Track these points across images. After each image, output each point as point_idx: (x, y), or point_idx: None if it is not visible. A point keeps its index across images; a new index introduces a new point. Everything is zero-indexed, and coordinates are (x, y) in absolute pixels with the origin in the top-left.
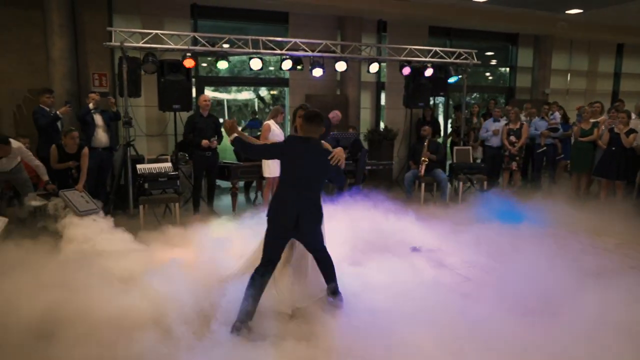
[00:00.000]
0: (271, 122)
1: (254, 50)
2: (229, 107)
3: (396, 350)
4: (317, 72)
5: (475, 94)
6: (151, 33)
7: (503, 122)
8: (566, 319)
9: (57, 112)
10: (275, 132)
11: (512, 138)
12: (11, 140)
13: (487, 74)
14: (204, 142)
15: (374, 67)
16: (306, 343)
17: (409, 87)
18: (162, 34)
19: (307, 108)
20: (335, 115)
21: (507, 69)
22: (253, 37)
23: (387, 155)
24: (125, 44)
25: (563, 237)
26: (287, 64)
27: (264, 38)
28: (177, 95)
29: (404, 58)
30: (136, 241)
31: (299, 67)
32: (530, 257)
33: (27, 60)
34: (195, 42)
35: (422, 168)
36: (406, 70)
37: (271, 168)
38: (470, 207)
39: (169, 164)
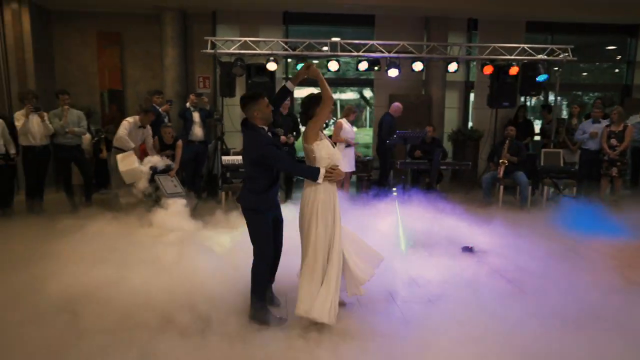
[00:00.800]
0: (343, 120)
1: (331, 53)
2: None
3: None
4: (393, 72)
5: (591, 93)
6: (241, 40)
7: (604, 123)
8: (608, 333)
9: (160, 110)
10: (347, 129)
11: (613, 141)
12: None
13: (595, 70)
14: (282, 138)
15: (452, 67)
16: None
17: (493, 87)
18: (250, 40)
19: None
20: (395, 107)
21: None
22: (332, 40)
23: (471, 156)
24: (218, 51)
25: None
26: (363, 65)
27: (342, 41)
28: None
29: (486, 57)
30: (207, 222)
31: (376, 67)
32: (589, 270)
33: (148, 67)
34: (281, 46)
35: (501, 170)
36: (488, 69)
37: (341, 164)
38: (552, 213)
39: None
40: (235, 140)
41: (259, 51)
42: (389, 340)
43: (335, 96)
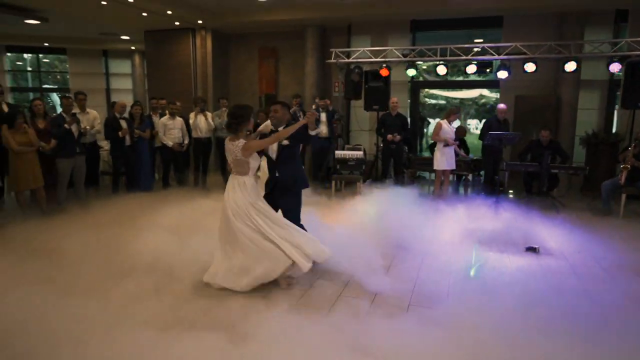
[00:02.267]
0: (444, 121)
1: (440, 58)
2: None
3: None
4: (502, 74)
5: None
6: (359, 50)
7: None
8: None
9: (291, 110)
10: (446, 129)
11: None
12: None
13: None
14: (389, 136)
15: (569, 66)
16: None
17: (626, 85)
18: (368, 50)
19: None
20: (499, 108)
21: None
22: (441, 46)
23: (607, 162)
24: (340, 60)
25: None
26: (471, 68)
27: (452, 46)
28: (377, 98)
29: (612, 53)
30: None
31: (487, 70)
32: None
33: (294, 75)
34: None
35: (623, 175)
36: (614, 67)
37: (439, 161)
38: None
39: (360, 152)
40: (360, 137)
41: (373, 59)
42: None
43: (461, 94)
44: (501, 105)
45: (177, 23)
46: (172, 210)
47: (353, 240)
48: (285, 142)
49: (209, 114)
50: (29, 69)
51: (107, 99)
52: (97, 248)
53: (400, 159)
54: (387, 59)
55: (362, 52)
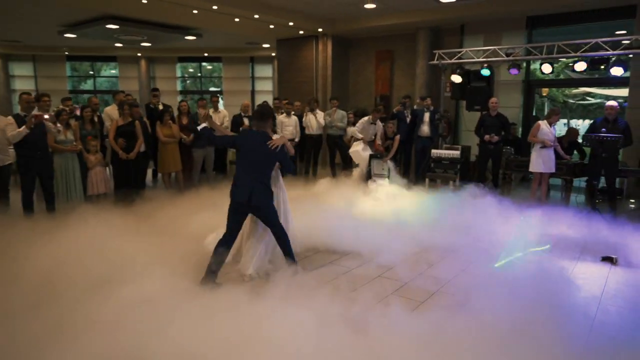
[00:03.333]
0: (543, 122)
1: (546, 56)
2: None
3: None
4: (617, 71)
5: None
6: (462, 50)
7: None
8: None
9: (395, 110)
10: (544, 130)
11: None
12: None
13: None
14: (486, 137)
15: None
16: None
17: None
18: (470, 50)
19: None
20: (609, 106)
21: None
22: (548, 44)
23: None
24: (443, 62)
25: None
26: (580, 66)
27: (559, 43)
28: (478, 98)
29: None
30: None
31: (601, 66)
32: None
33: (408, 76)
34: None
35: None
36: None
37: (534, 163)
38: None
39: (456, 152)
40: (469, 138)
41: (475, 59)
42: None
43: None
44: (610, 103)
45: (301, 32)
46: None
47: (398, 236)
48: None
49: (320, 113)
50: (182, 75)
51: (252, 100)
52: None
53: (498, 161)
54: (489, 59)
55: (471, 52)
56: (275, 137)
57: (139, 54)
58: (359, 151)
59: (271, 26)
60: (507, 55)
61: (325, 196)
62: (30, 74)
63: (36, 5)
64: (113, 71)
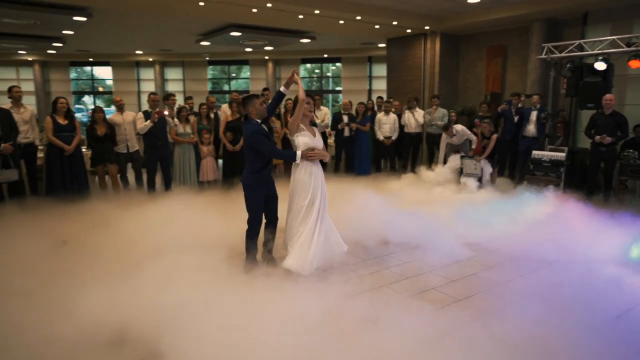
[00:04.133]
0: None
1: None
2: None
3: None
4: None
5: None
6: (574, 43)
7: None
8: None
9: (499, 109)
10: None
11: None
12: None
13: None
14: (597, 137)
15: None
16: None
17: None
18: (584, 42)
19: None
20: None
21: None
22: None
23: None
24: (552, 56)
25: None
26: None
27: None
28: (592, 95)
29: None
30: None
31: None
32: None
33: (521, 72)
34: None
35: None
36: None
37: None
38: None
39: (561, 154)
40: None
41: (589, 52)
42: None
43: None
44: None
45: (408, 30)
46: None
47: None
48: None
49: (419, 112)
50: (305, 76)
51: (368, 98)
52: None
53: (612, 165)
54: (606, 51)
55: (585, 45)
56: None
57: (266, 57)
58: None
59: (376, 26)
60: (628, 45)
61: (403, 192)
62: (180, 77)
63: (175, 19)
64: (248, 73)
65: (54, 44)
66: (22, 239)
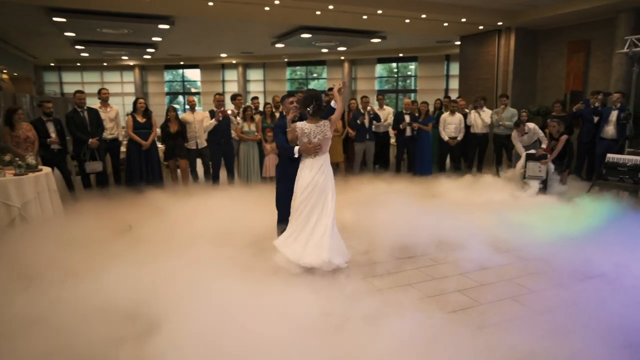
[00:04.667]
0: None
1: None
2: None
3: None
4: None
5: None
6: None
7: None
8: None
9: (574, 108)
10: None
11: None
12: None
13: None
14: None
15: None
16: None
17: None
18: None
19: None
20: None
21: None
22: None
23: None
24: (634, 49)
25: None
26: None
27: None
28: None
29: None
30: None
31: None
32: None
33: (606, 69)
34: None
35: None
36: None
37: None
38: None
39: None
40: None
41: None
42: None
43: None
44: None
45: (481, 27)
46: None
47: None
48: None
49: (486, 112)
50: (381, 75)
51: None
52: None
53: None
54: None
55: None
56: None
57: (342, 58)
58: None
59: (445, 24)
60: None
61: (456, 193)
62: (260, 78)
63: (247, 23)
64: (325, 74)
65: (147, 50)
66: (97, 222)
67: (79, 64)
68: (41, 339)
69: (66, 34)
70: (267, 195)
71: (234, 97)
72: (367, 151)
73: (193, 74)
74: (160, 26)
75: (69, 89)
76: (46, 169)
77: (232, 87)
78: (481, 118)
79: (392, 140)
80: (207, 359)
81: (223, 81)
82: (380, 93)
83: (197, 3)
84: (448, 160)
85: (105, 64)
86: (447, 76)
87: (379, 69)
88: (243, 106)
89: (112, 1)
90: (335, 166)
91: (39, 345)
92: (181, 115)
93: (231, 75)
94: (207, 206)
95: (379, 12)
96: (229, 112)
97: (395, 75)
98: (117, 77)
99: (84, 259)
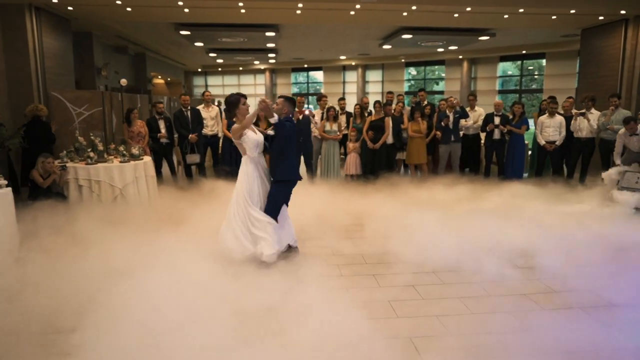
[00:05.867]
0: None
1: None
2: None
3: None
4: None
5: None
6: None
7: None
8: None
9: None
10: None
11: None
12: None
13: None
14: None
15: None
16: None
17: None
18: None
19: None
20: None
21: None
22: None
23: None
24: None
25: None
26: None
27: None
28: None
29: None
30: None
31: None
32: None
33: None
34: None
35: None
36: None
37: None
38: None
39: None
40: None
41: None
42: None
43: None
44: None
45: (600, 18)
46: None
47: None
48: (271, 132)
49: (595, 113)
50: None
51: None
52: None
53: None
54: None
55: None
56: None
57: (460, 57)
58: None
59: (553, 17)
60: None
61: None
62: (379, 79)
63: (355, 27)
64: (444, 74)
65: (269, 55)
66: (176, 204)
67: (220, 69)
68: None
69: (196, 43)
70: (335, 192)
71: (319, 98)
72: (452, 153)
73: (318, 76)
74: (267, 33)
75: (214, 91)
76: (147, 158)
77: (352, 89)
78: (588, 121)
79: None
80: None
81: (344, 82)
82: (471, 94)
83: (288, 12)
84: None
85: (241, 68)
86: (580, 74)
87: (502, 68)
88: (326, 107)
89: (221, 14)
90: (414, 167)
91: None
92: None
93: (351, 76)
94: None
95: (468, 9)
96: (307, 112)
97: (519, 74)
98: (251, 79)
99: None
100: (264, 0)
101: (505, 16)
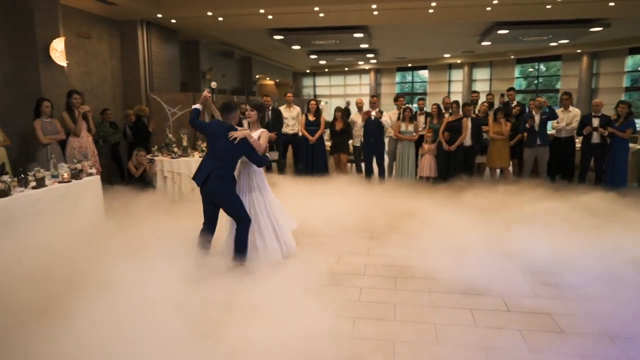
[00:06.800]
0: None
1: None
2: None
3: None
4: None
5: None
6: None
7: None
8: None
9: None
10: None
11: None
12: None
13: None
14: None
15: None
16: None
17: None
18: None
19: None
20: None
21: None
22: None
23: None
24: None
25: None
26: None
27: None
28: None
29: None
30: None
31: None
32: None
33: None
34: None
35: None
36: None
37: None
38: None
39: None
40: None
41: None
42: None
43: None
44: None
45: None
46: None
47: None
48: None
49: None
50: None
51: None
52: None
53: None
54: None
55: None
56: (240, 129)
57: (578, 51)
58: None
59: None
60: None
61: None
62: (487, 77)
63: (446, 25)
64: (559, 70)
65: (367, 55)
66: None
67: (326, 70)
68: None
69: (293, 47)
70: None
71: (396, 99)
72: (539, 158)
73: (425, 75)
74: (355, 35)
75: (320, 91)
76: None
77: (457, 87)
78: None
79: (578, 147)
80: None
81: (449, 81)
82: (566, 93)
83: (365, 13)
84: None
85: (346, 68)
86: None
87: (631, 62)
88: (403, 107)
89: (303, 19)
90: (494, 171)
91: None
92: (351, 116)
93: (457, 75)
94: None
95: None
96: (373, 113)
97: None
98: (356, 80)
99: None
100: (338, 4)
101: (611, 4)
